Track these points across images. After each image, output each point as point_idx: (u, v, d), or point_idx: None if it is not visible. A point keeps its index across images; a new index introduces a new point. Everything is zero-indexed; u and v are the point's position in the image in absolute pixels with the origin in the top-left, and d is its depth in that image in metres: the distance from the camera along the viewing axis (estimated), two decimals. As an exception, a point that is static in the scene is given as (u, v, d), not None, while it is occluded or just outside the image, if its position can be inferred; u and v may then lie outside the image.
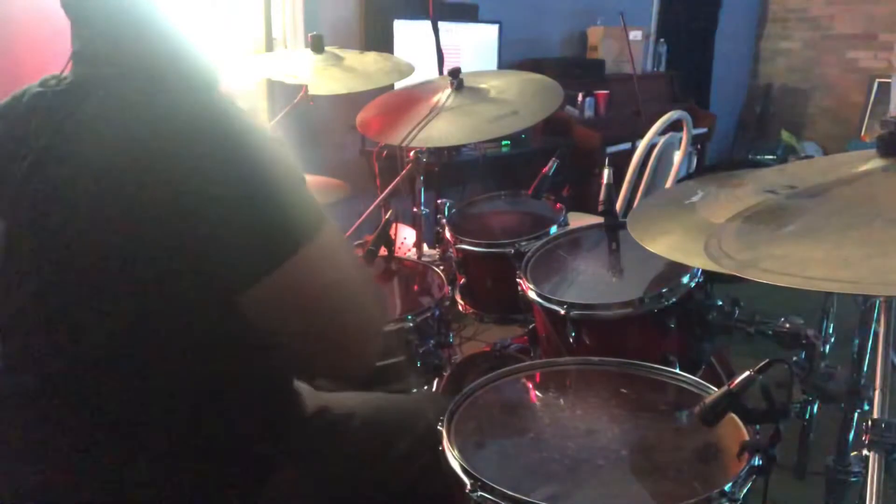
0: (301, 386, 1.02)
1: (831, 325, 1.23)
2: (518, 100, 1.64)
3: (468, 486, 0.83)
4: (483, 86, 1.70)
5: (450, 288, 1.55)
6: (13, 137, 0.80)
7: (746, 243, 0.78)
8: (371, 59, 1.88)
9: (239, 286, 0.74)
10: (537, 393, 1.11)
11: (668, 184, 2.78)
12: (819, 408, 1.15)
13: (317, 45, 1.83)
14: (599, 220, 1.45)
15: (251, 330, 0.77)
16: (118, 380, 0.76)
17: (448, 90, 1.67)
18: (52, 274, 0.76)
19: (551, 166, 1.70)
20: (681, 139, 2.80)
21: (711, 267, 0.77)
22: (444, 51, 2.21)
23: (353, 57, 1.87)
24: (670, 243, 1.04)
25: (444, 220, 1.71)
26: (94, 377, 0.76)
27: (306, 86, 1.75)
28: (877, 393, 0.78)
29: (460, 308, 1.68)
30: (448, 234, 1.67)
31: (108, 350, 0.75)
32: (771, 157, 5.59)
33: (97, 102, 0.76)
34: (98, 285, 0.74)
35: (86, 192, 0.73)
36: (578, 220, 1.67)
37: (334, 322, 0.82)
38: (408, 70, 1.87)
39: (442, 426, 0.94)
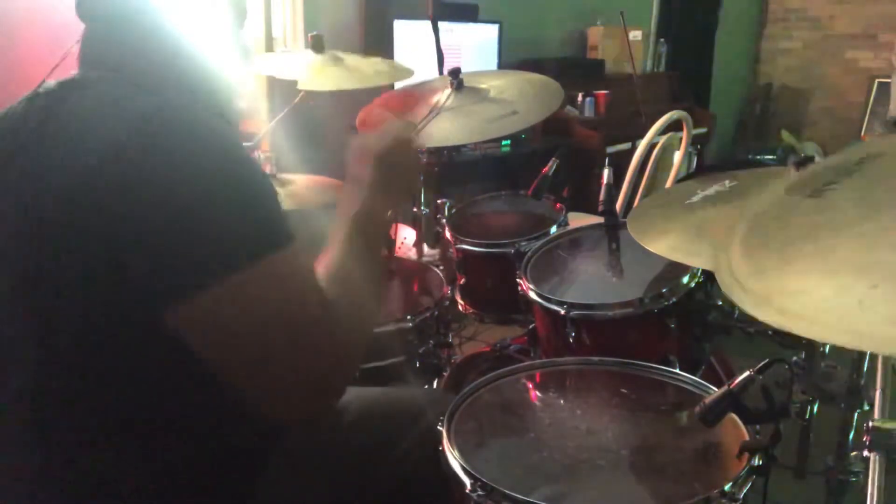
0: None
1: (831, 325, 1.23)
2: (518, 100, 1.63)
3: (468, 486, 0.83)
4: (483, 86, 1.70)
5: (450, 288, 1.55)
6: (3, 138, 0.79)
7: (756, 265, 0.67)
8: (370, 63, 1.88)
9: (165, 299, 0.69)
10: (537, 393, 1.11)
11: (668, 184, 2.78)
12: (819, 408, 1.15)
13: (317, 45, 1.83)
14: (599, 220, 1.45)
15: None
16: (104, 381, 0.75)
17: (448, 90, 1.67)
18: (18, 283, 0.74)
19: (551, 166, 1.70)
20: (681, 139, 2.80)
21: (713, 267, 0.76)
22: (444, 51, 2.20)
23: (353, 59, 1.87)
24: (670, 243, 1.04)
25: (444, 220, 1.71)
26: (76, 382, 0.75)
27: (303, 92, 1.75)
28: (877, 393, 0.78)
29: (460, 308, 1.68)
30: (448, 234, 1.67)
31: (86, 347, 0.74)
32: (771, 157, 5.59)
33: (75, 102, 0.76)
34: (65, 291, 0.72)
35: (46, 188, 0.72)
36: (578, 220, 1.67)
37: (266, 362, 0.73)
38: (406, 75, 1.87)
39: (442, 426, 0.94)
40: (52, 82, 0.81)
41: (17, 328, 0.75)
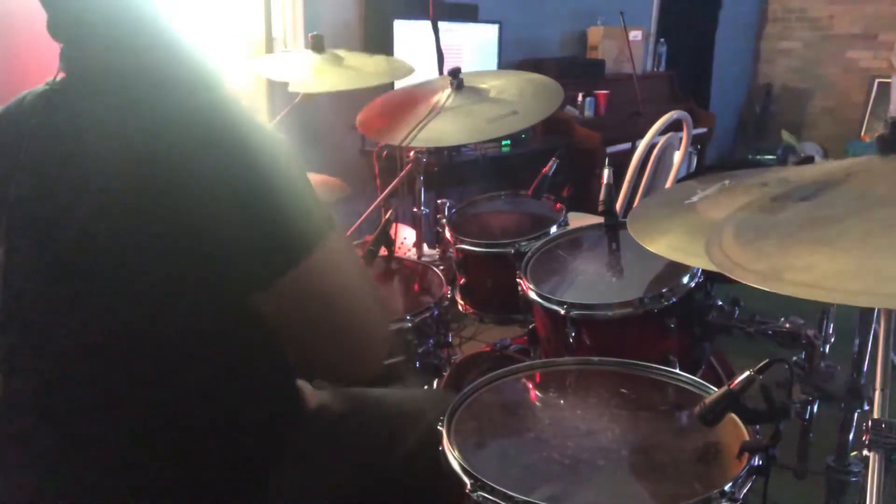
0: (301, 383, 1.02)
1: (831, 325, 1.23)
2: (518, 100, 1.64)
3: (468, 486, 0.83)
4: (483, 86, 1.70)
5: (450, 288, 1.55)
6: (10, 138, 0.79)
7: (755, 251, 0.76)
8: (371, 61, 1.88)
9: (248, 290, 0.74)
10: (537, 393, 1.11)
11: (668, 184, 2.78)
12: (819, 408, 1.15)
13: (317, 45, 1.83)
14: (599, 220, 1.45)
15: (256, 330, 0.78)
16: (119, 382, 0.76)
17: (448, 90, 1.67)
18: (52, 274, 0.76)
19: (551, 166, 1.70)
20: (681, 139, 2.80)
21: (714, 268, 0.77)
22: (444, 51, 2.21)
23: (353, 58, 1.87)
24: (670, 243, 1.03)
25: (444, 220, 1.71)
26: (92, 380, 0.76)
27: (302, 94, 1.75)
28: (877, 393, 0.78)
29: (460, 308, 1.68)
30: (448, 234, 1.67)
31: (108, 353, 0.75)
32: (771, 157, 5.59)
33: (100, 105, 0.76)
34: (99, 286, 0.74)
35: (90, 193, 0.73)
36: (578, 220, 1.67)
37: (342, 324, 0.82)
38: (407, 72, 1.87)
39: (442, 426, 0.94)
40: (60, 81, 0.80)
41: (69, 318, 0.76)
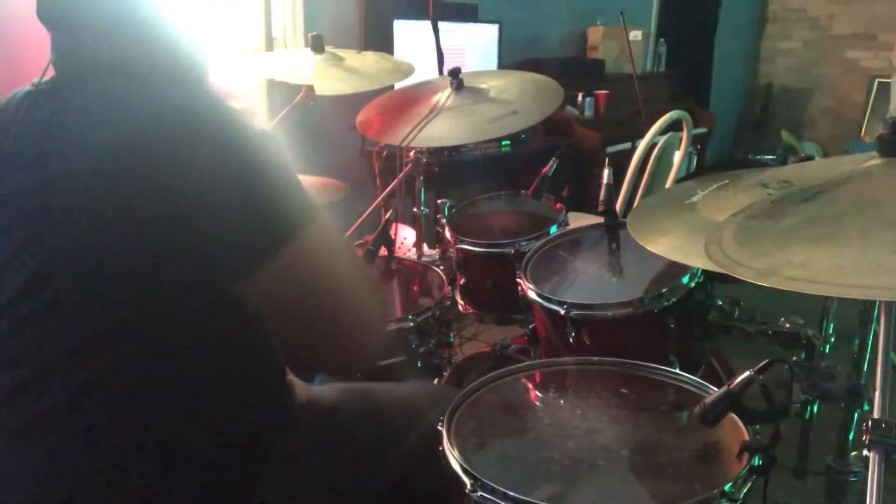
0: (293, 377, 1.02)
1: (831, 325, 1.23)
2: (518, 100, 1.64)
3: (468, 486, 0.83)
4: (483, 86, 1.70)
5: (450, 288, 1.55)
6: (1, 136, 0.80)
7: (755, 250, 0.76)
8: (371, 60, 1.88)
9: (234, 277, 0.75)
10: (537, 393, 1.11)
11: (668, 184, 2.78)
12: (819, 408, 1.15)
13: (317, 45, 1.83)
14: (599, 220, 1.45)
15: (246, 321, 0.78)
16: (109, 374, 0.76)
17: (448, 90, 1.67)
18: (40, 267, 0.76)
19: (551, 166, 1.70)
20: (681, 139, 2.80)
21: (713, 268, 0.77)
22: (445, 51, 2.20)
23: (353, 57, 1.87)
24: (670, 243, 1.04)
25: (444, 220, 1.71)
26: (83, 373, 0.76)
27: (311, 86, 1.74)
28: (877, 393, 0.78)
29: (460, 308, 1.68)
30: (448, 234, 1.67)
31: (99, 345, 0.75)
32: (771, 157, 5.59)
33: (87, 98, 0.77)
34: (91, 278, 0.74)
35: (78, 187, 0.73)
36: (578, 220, 1.67)
37: (331, 314, 0.82)
38: (408, 70, 1.87)
39: (442, 426, 0.94)
40: (46, 80, 0.81)
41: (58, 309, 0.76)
